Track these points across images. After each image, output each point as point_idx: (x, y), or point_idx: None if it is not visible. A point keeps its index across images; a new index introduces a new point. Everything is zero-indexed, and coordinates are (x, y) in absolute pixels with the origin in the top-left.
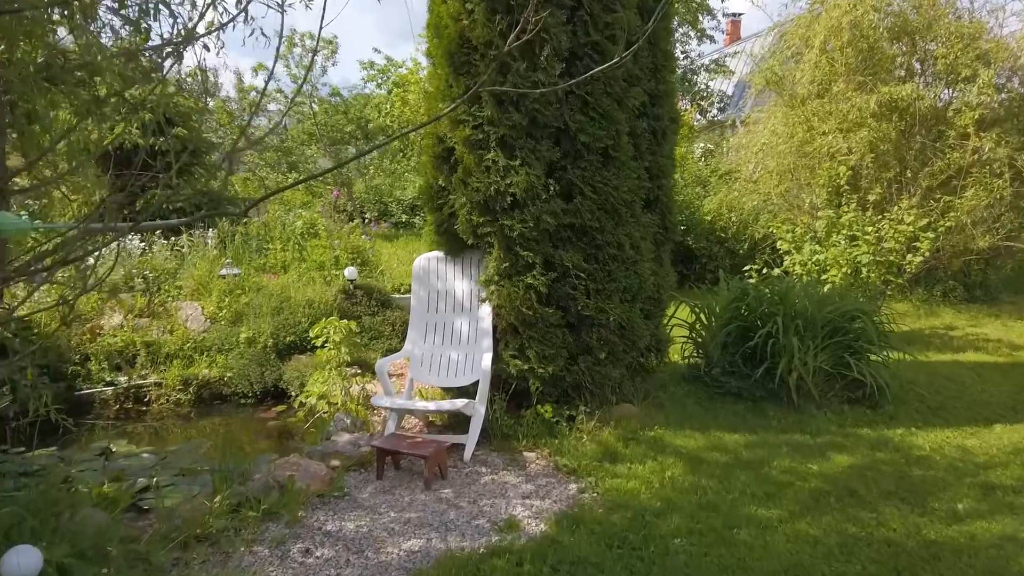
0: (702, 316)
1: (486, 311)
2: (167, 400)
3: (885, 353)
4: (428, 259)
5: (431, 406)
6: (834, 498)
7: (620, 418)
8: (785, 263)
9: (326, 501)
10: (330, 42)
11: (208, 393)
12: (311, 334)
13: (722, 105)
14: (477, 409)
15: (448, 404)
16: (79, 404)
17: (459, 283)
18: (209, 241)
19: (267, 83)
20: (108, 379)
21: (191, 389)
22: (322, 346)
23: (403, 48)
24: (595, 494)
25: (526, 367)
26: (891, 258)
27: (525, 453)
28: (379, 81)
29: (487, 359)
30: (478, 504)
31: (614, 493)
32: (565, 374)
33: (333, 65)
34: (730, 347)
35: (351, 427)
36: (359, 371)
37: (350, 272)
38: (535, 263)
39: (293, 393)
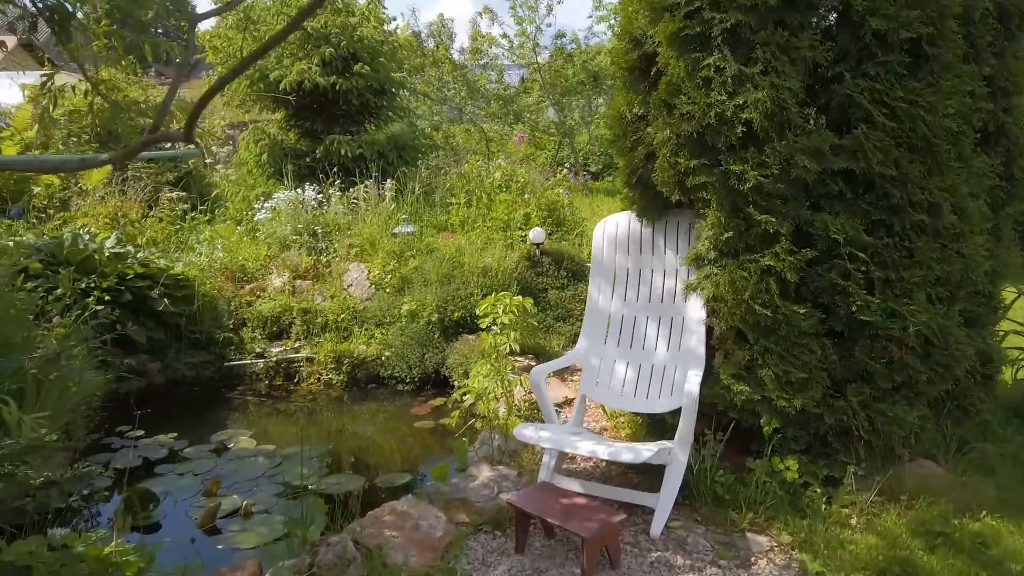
0: None
1: (696, 306)
2: (318, 379)
3: None
4: (614, 224)
5: (601, 451)
6: None
7: (917, 489)
8: None
9: None
10: None
11: (363, 374)
12: (478, 311)
13: None
14: (676, 457)
15: (628, 450)
16: (229, 375)
17: (656, 260)
18: (387, 193)
19: None
20: (259, 350)
21: (344, 368)
22: (488, 328)
23: None
24: None
25: (757, 396)
26: None
27: (750, 535)
28: (611, 23)
29: (694, 378)
30: None
31: None
32: (823, 411)
33: (559, 3)
34: None
35: (498, 455)
36: (534, 361)
37: (536, 234)
38: (779, 233)
39: (455, 383)
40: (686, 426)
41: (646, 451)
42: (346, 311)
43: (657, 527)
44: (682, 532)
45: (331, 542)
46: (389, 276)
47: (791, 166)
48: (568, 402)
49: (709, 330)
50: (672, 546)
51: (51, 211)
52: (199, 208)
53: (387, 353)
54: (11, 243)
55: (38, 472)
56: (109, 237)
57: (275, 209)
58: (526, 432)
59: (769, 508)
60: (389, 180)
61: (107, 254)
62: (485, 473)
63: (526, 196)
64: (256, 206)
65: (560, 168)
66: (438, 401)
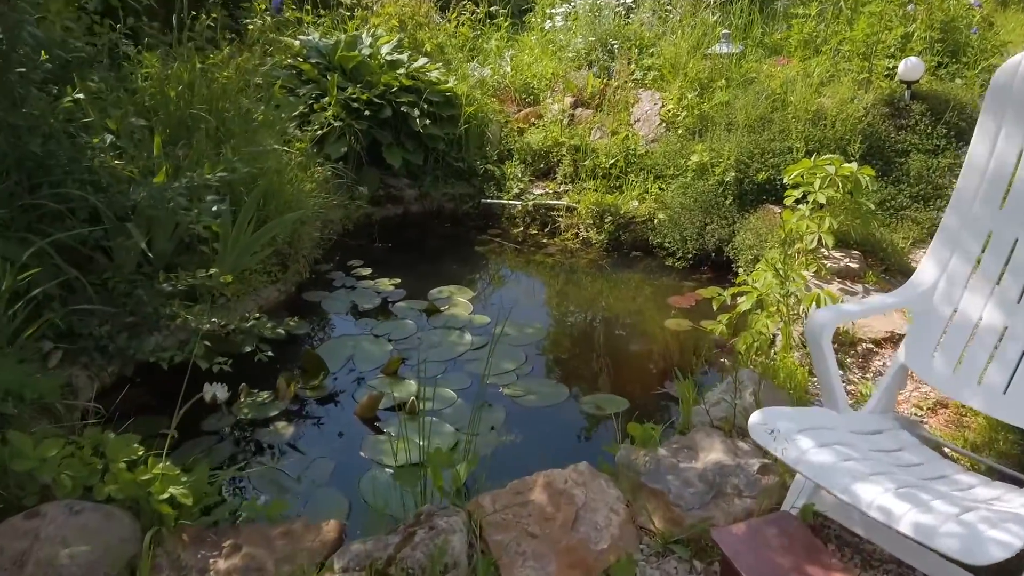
0: None
1: None
2: (575, 235)
3: None
4: None
5: (902, 517)
6: None
7: None
8: None
9: None
10: None
11: (628, 237)
12: (785, 179)
13: None
14: None
15: (956, 528)
16: (488, 214)
17: None
18: None
19: None
20: (519, 189)
21: (606, 227)
22: (796, 203)
23: None
24: None
25: None
26: None
27: None
28: None
29: None
30: None
31: None
32: None
33: None
34: None
35: (741, 419)
36: (855, 263)
37: (908, 67)
38: None
39: (738, 270)
40: None
41: (997, 545)
42: (622, 153)
43: None
44: None
45: (436, 526)
46: (684, 113)
47: None
48: (891, 339)
49: None
50: None
51: (356, 10)
52: (503, 12)
53: (660, 215)
54: (297, 42)
55: (222, 316)
56: (390, 41)
57: (572, 15)
58: (769, 430)
59: None
60: None
61: (381, 61)
62: (713, 453)
63: (910, 8)
64: (550, 11)
65: None
66: (709, 292)
